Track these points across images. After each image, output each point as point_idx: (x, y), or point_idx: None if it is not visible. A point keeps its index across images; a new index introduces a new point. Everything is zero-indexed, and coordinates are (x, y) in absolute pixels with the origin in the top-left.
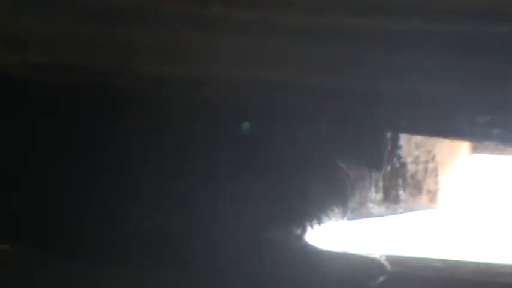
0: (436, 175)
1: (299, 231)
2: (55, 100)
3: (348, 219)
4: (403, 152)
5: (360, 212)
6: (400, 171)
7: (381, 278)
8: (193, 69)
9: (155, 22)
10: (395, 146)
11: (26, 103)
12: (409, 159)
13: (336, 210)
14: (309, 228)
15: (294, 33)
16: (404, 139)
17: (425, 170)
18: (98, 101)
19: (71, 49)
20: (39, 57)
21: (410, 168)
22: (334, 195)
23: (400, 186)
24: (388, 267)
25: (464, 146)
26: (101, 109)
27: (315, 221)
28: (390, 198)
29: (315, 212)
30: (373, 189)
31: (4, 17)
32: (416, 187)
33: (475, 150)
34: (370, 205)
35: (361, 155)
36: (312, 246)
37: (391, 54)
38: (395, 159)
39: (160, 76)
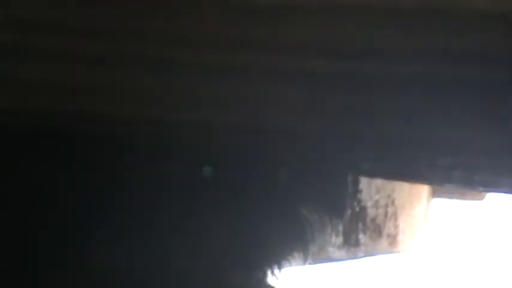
0: (396, 219)
1: (260, 276)
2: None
3: (308, 264)
4: (363, 196)
5: (320, 256)
6: (360, 215)
7: None
8: (153, 112)
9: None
10: (356, 189)
11: None
12: (369, 203)
13: (296, 255)
14: (269, 273)
15: (254, 75)
16: (364, 183)
17: (385, 214)
18: (60, 144)
19: (27, 93)
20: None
21: (370, 212)
22: (295, 241)
23: (360, 230)
24: None
25: (424, 190)
26: (66, 152)
27: (275, 265)
28: (350, 242)
29: (275, 257)
30: (333, 233)
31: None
32: (376, 231)
33: (434, 194)
34: (331, 249)
35: (323, 200)
36: None
37: (353, 96)
38: (355, 203)
39: (121, 117)
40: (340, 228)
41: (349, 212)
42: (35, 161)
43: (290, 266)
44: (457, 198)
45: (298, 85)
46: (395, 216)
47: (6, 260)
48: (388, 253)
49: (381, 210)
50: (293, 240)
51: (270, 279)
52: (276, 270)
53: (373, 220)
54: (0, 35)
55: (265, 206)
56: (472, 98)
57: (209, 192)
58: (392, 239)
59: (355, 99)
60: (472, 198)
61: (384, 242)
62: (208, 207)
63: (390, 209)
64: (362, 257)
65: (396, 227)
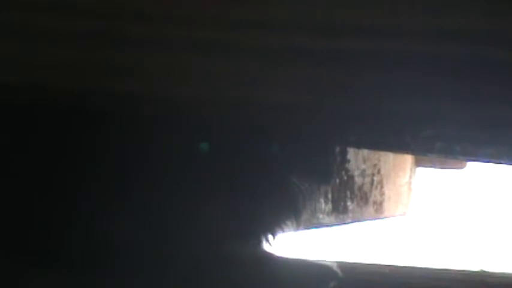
0: (382, 187)
1: (256, 242)
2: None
3: (300, 230)
4: (350, 166)
5: (311, 222)
6: (348, 183)
7: (332, 283)
8: (156, 88)
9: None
10: (344, 160)
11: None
12: (356, 173)
13: (289, 222)
14: (264, 239)
15: (245, 52)
16: (352, 153)
17: (371, 183)
18: (68, 120)
19: (38, 70)
20: (10, 77)
21: (358, 180)
22: (288, 210)
23: (348, 197)
24: (339, 273)
25: (408, 159)
26: (75, 127)
27: (269, 233)
28: (339, 209)
29: (270, 226)
30: (322, 200)
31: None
32: (363, 198)
33: (417, 163)
34: (320, 215)
35: (312, 170)
36: (269, 254)
37: (340, 72)
38: (343, 173)
39: (124, 94)
40: (330, 196)
41: (337, 181)
42: (41, 137)
43: (283, 232)
44: (439, 167)
45: (287, 62)
46: (381, 184)
47: (29, 228)
48: (374, 219)
49: (367, 179)
50: (286, 209)
51: (265, 245)
52: (271, 238)
53: (360, 188)
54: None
55: (259, 178)
56: (454, 75)
57: (207, 167)
58: (378, 206)
59: (342, 76)
60: (453, 167)
61: (370, 209)
62: (206, 181)
63: (376, 178)
64: (350, 222)
65: (382, 194)
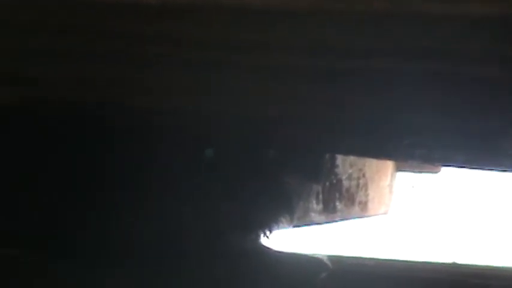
0: (366, 189)
1: (254, 237)
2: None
3: (294, 226)
4: (339, 170)
5: (304, 220)
6: (336, 186)
7: (324, 274)
8: (163, 102)
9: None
10: (333, 165)
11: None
12: (344, 176)
13: (283, 219)
14: (262, 235)
15: (246, 71)
16: (340, 159)
17: (357, 185)
18: (84, 131)
19: (61, 86)
20: (37, 92)
21: (345, 183)
22: (283, 208)
23: (336, 198)
24: (329, 265)
25: (389, 164)
26: (90, 137)
27: (266, 228)
28: (329, 208)
29: (266, 222)
30: (314, 201)
31: (8, 59)
32: (350, 199)
33: (398, 168)
34: (312, 214)
35: (304, 172)
36: (266, 248)
37: (331, 88)
38: (332, 177)
39: (135, 107)
40: (321, 197)
41: (327, 183)
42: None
43: (279, 228)
44: (417, 171)
45: (284, 80)
46: (366, 186)
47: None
48: (360, 217)
49: (353, 182)
50: (281, 207)
51: (263, 239)
52: (268, 232)
53: (348, 190)
54: (36, 39)
55: (257, 180)
56: (432, 90)
57: (211, 170)
58: (363, 206)
59: (333, 92)
60: (430, 171)
61: (356, 208)
62: (209, 183)
63: (361, 181)
64: (339, 220)
65: (367, 195)
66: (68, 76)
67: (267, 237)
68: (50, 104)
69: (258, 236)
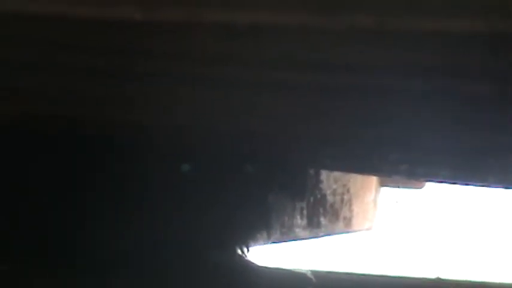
0: (351, 204)
1: (233, 252)
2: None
3: (278, 242)
4: (323, 186)
5: (288, 235)
6: (321, 201)
7: None
8: (143, 118)
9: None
10: (318, 180)
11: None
12: (328, 192)
13: (260, 236)
14: (239, 250)
15: (224, 84)
16: (324, 174)
17: (342, 201)
18: (79, 147)
19: (56, 101)
20: (35, 108)
21: (329, 199)
22: (260, 224)
23: (321, 214)
24: (313, 279)
25: (374, 180)
26: (87, 154)
27: (243, 245)
28: (313, 223)
29: (244, 238)
30: (298, 216)
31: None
32: (334, 214)
33: (382, 183)
34: (297, 230)
35: (288, 188)
36: (250, 263)
37: (316, 104)
38: (317, 192)
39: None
40: (305, 212)
41: (312, 199)
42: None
43: (256, 245)
44: (401, 187)
45: (269, 95)
46: (350, 202)
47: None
48: (344, 233)
49: (338, 197)
50: (258, 223)
51: (243, 255)
52: (245, 249)
53: (332, 205)
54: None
55: (235, 196)
56: (419, 105)
57: (188, 185)
58: (348, 221)
59: (317, 106)
60: (414, 187)
61: (340, 224)
62: (187, 198)
63: (346, 196)
64: (323, 236)
65: (351, 211)
66: (51, 90)
67: (244, 253)
68: (33, 119)
69: (238, 252)
